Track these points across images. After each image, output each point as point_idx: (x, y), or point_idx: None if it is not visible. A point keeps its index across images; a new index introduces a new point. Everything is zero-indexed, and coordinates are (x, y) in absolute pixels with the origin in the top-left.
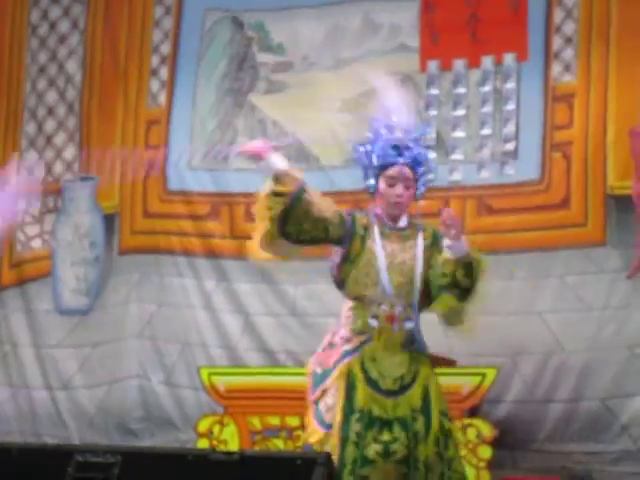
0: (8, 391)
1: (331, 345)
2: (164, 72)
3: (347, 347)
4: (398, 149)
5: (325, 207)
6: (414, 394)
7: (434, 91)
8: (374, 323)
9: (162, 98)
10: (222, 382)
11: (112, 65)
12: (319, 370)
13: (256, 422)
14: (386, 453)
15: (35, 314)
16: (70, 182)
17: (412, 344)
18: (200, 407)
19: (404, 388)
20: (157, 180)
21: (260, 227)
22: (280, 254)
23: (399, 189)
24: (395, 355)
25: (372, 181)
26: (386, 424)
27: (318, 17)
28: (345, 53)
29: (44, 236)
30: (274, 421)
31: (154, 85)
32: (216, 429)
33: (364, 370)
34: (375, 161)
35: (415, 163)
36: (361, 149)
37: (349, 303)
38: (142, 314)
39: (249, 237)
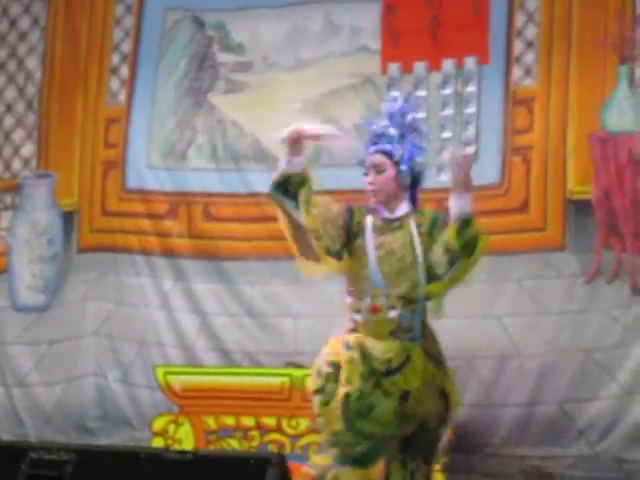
0: None
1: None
2: (124, 70)
3: (347, 338)
4: (373, 140)
5: None
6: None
7: (395, 93)
8: (357, 317)
9: (122, 96)
10: (178, 381)
11: (72, 63)
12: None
13: (211, 422)
14: (388, 372)
15: None
16: (28, 179)
17: (404, 333)
18: (156, 406)
19: (390, 372)
20: (116, 178)
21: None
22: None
23: (370, 177)
24: (384, 342)
25: None
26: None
27: (279, 17)
28: (305, 54)
29: (0, 233)
30: (229, 421)
31: (114, 83)
32: (171, 428)
33: (363, 355)
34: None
35: (388, 147)
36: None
37: (348, 300)
38: (99, 312)
39: (207, 237)
